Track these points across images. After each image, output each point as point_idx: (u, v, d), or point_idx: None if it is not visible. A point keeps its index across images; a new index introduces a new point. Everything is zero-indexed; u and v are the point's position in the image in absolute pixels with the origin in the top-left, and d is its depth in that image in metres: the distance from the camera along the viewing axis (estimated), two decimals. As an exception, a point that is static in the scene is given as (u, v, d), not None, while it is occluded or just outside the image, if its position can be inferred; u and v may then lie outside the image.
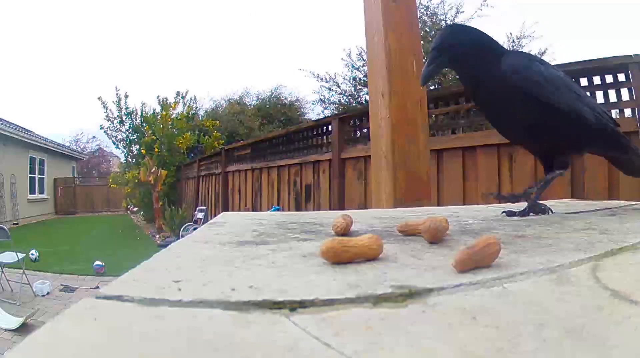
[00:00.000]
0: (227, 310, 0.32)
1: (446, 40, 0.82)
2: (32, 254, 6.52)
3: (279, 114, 13.54)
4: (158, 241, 8.91)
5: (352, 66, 9.98)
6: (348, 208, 3.47)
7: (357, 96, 10.15)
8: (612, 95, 2.19)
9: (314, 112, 12.80)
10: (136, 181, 11.69)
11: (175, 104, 12.60)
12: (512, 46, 9.01)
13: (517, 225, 0.72)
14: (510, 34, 8.96)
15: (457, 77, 0.84)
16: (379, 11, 1.67)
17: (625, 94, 2.15)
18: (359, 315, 0.32)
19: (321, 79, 10.36)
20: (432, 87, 7.80)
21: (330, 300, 0.34)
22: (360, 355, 0.25)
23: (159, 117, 12.25)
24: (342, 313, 0.32)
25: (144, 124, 12.58)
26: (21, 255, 5.03)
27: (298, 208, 4.53)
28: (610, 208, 0.93)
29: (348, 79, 10.19)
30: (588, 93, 2.24)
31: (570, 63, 2.32)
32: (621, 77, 2.15)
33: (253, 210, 5.82)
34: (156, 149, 11.73)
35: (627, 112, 2.17)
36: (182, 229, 8.04)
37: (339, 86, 10.39)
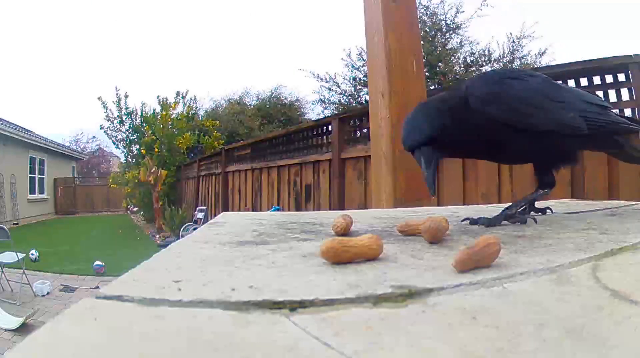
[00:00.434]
0: (227, 310, 0.32)
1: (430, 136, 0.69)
2: (32, 254, 6.52)
3: (279, 114, 13.53)
4: (158, 241, 8.91)
5: (352, 66, 9.99)
6: (348, 208, 3.47)
7: (357, 96, 10.16)
8: (612, 95, 2.20)
9: (314, 112, 12.81)
10: (136, 181, 11.68)
11: (175, 104, 12.60)
12: (512, 46, 9.02)
13: (517, 225, 0.72)
14: (510, 34, 8.97)
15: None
16: (379, 11, 1.67)
17: (625, 94, 2.15)
18: (359, 315, 0.32)
19: (321, 79, 10.36)
20: (432, 88, 7.81)
21: (330, 300, 0.34)
22: (360, 355, 0.25)
23: (159, 117, 12.24)
24: (342, 313, 0.32)
25: (144, 124, 12.58)
26: (21, 255, 5.02)
27: (298, 208, 4.53)
28: (610, 208, 0.93)
29: (348, 79, 10.20)
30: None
31: (570, 63, 2.33)
32: (621, 77, 2.16)
33: (253, 210, 5.82)
34: (156, 149, 11.73)
35: (627, 112, 2.17)
36: (182, 229, 8.04)
37: (339, 86, 10.40)
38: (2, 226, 5.30)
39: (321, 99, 10.91)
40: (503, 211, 0.73)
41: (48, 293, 4.87)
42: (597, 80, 2.22)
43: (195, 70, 47.13)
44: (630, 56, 2.07)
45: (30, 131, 14.59)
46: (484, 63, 9.32)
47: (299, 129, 5.01)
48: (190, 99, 13.11)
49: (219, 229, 0.71)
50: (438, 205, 2.27)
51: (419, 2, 8.80)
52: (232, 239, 0.61)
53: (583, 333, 0.28)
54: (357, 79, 10.00)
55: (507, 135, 0.72)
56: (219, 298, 0.34)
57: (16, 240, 5.39)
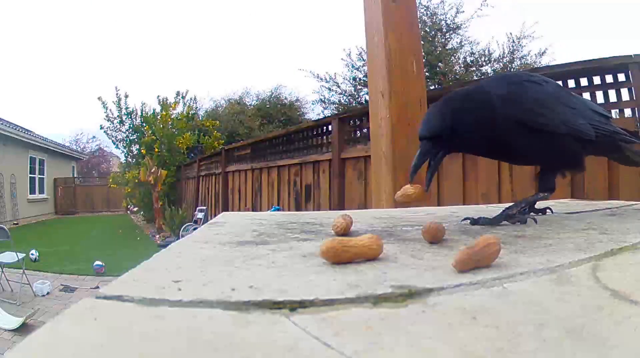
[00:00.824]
0: (227, 310, 0.32)
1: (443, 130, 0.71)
2: (32, 254, 6.52)
3: (279, 114, 13.53)
4: (158, 241, 8.91)
5: (352, 66, 9.99)
6: (348, 208, 3.46)
7: (357, 96, 10.16)
8: (612, 95, 2.20)
9: (314, 112, 12.82)
10: (136, 181, 11.68)
11: (175, 104, 12.59)
12: (512, 46, 9.03)
13: (517, 225, 0.72)
14: (510, 34, 8.97)
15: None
16: (379, 11, 1.67)
17: (625, 94, 2.15)
18: (359, 315, 0.32)
19: (321, 79, 10.37)
20: (432, 88, 7.81)
21: (330, 300, 0.34)
22: (360, 355, 0.25)
23: (159, 117, 12.24)
24: (342, 313, 0.32)
25: (144, 124, 12.57)
26: (21, 255, 5.02)
27: (298, 208, 4.53)
28: (610, 208, 0.93)
29: (348, 79, 10.20)
30: (588, 93, 2.25)
31: (570, 63, 2.32)
32: (621, 77, 2.16)
33: (253, 210, 5.82)
34: (156, 149, 11.72)
35: (627, 112, 2.17)
36: (182, 229, 8.04)
37: (339, 86, 10.41)
38: (2, 226, 5.30)
39: (321, 99, 10.93)
40: (503, 211, 0.74)
41: (48, 293, 4.87)
42: (597, 80, 2.22)
43: (195, 70, 47.20)
44: (630, 56, 2.07)
45: (30, 131, 14.59)
46: (484, 63, 9.32)
47: (299, 129, 5.01)
48: (190, 99, 13.12)
49: (219, 229, 0.71)
50: (438, 205, 2.28)
51: (419, 2, 8.81)
52: (232, 239, 0.61)
53: (583, 333, 0.28)
54: (357, 79, 10.01)
55: (520, 134, 0.73)
56: (219, 298, 0.34)
57: (16, 240, 5.39)
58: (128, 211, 16.08)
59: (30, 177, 14.50)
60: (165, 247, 0.56)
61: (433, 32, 9.22)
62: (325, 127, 4.32)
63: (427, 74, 8.18)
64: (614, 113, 2.15)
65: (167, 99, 12.57)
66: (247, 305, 0.33)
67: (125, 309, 0.32)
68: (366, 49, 1.88)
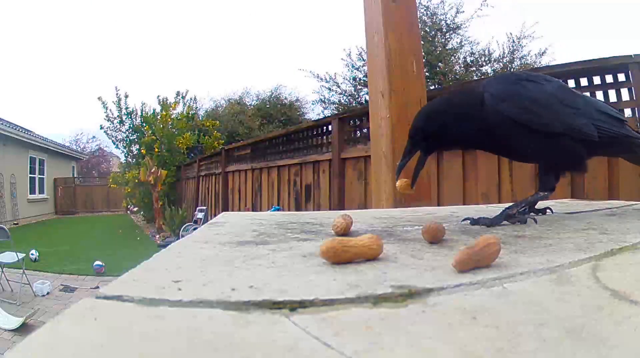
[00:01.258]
0: (227, 310, 0.32)
1: (416, 130, 0.79)
2: (32, 254, 6.52)
3: (279, 114, 13.53)
4: (158, 241, 8.90)
5: (352, 66, 9.99)
6: (348, 208, 3.46)
7: (357, 96, 10.16)
8: (612, 95, 2.20)
9: (314, 112, 12.82)
10: (136, 181, 11.68)
11: (175, 104, 12.59)
12: (512, 46, 9.02)
13: (517, 225, 0.72)
14: (510, 34, 8.97)
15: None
16: (379, 11, 1.67)
17: (625, 94, 2.15)
18: (359, 315, 0.32)
19: (321, 79, 10.37)
20: (432, 87, 7.81)
21: (330, 300, 0.34)
22: (360, 355, 0.25)
23: (159, 117, 12.24)
24: (342, 313, 0.32)
25: (144, 124, 12.57)
26: (21, 255, 5.02)
27: (298, 208, 4.53)
28: (610, 208, 0.93)
29: (348, 79, 10.20)
30: (588, 93, 2.24)
31: (570, 63, 2.32)
32: (621, 77, 2.16)
33: (253, 210, 5.82)
34: (156, 149, 11.72)
35: (627, 112, 2.17)
36: (182, 229, 8.04)
37: (339, 86, 10.41)
38: (2, 226, 5.30)
39: (321, 99, 10.93)
40: (503, 211, 0.74)
41: (48, 293, 4.87)
42: (597, 80, 2.22)
43: (195, 70, 47.19)
44: (630, 56, 2.07)
45: (30, 131, 14.58)
46: (484, 63, 9.32)
47: (299, 129, 5.01)
48: (190, 99, 13.12)
49: (219, 229, 0.71)
50: (438, 205, 2.28)
51: (419, 2, 8.80)
52: (232, 239, 0.61)
53: (583, 333, 0.28)
54: (357, 79, 10.00)
55: (516, 133, 0.74)
56: (219, 298, 0.34)
57: (16, 240, 5.39)
58: (128, 211, 16.08)
59: (30, 177, 14.49)
60: (165, 247, 0.56)
61: (433, 32, 9.22)
62: (325, 128, 4.32)
63: (427, 74, 8.18)
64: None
65: (167, 99, 12.57)
66: (247, 305, 0.33)
67: (125, 309, 0.32)
68: (366, 49, 1.88)
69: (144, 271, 0.43)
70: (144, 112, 12.81)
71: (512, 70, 8.17)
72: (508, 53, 9.09)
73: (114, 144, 14.05)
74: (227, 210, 6.81)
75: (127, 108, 13.00)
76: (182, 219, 9.19)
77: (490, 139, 0.79)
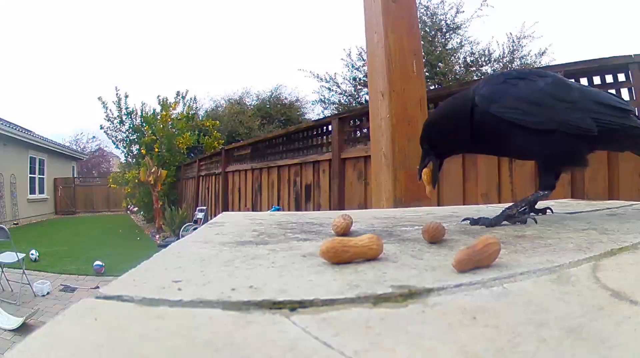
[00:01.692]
0: (227, 310, 0.32)
1: (422, 140, 0.83)
2: (32, 254, 6.52)
3: (279, 114, 13.53)
4: (158, 241, 8.90)
5: (352, 66, 9.99)
6: (348, 208, 3.46)
7: (357, 96, 10.16)
8: (612, 95, 2.19)
9: (314, 112, 12.83)
10: (136, 181, 11.68)
11: (175, 104, 12.59)
12: (512, 46, 9.02)
13: (518, 225, 0.72)
14: (510, 34, 8.98)
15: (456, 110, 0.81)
16: (379, 11, 1.67)
17: (625, 94, 2.15)
18: (359, 315, 0.32)
19: (321, 79, 10.37)
20: (432, 87, 7.81)
21: (330, 300, 0.34)
22: (360, 355, 0.25)
23: (159, 117, 12.24)
24: (342, 313, 0.32)
25: (144, 124, 12.57)
26: (21, 255, 5.02)
27: (298, 208, 4.53)
28: (610, 208, 0.93)
29: (348, 79, 10.20)
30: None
31: (570, 63, 2.32)
32: (621, 77, 2.15)
33: (253, 210, 5.82)
34: (156, 149, 11.72)
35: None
36: (182, 229, 8.04)
37: (339, 86, 10.41)
38: (2, 226, 5.30)
39: (321, 99, 10.93)
40: (503, 211, 0.74)
41: (48, 293, 4.87)
42: (597, 80, 2.22)
43: (195, 70, 47.20)
44: (630, 56, 2.07)
45: (30, 131, 14.58)
46: (484, 63, 9.32)
47: (299, 129, 5.01)
48: (190, 99, 13.11)
49: (219, 229, 0.71)
50: (438, 205, 2.27)
51: (419, 2, 8.81)
52: (232, 239, 0.61)
53: (583, 333, 0.28)
54: (357, 79, 10.00)
55: (510, 133, 0.74)
56: (219, 298, 0.34)
57: (16, 240, 5.39)
58: (128, 211, 16.08)
59: (30, 177, 14.49)
60: (165, 247, 0.56)
61: (433, 32, 9.22)
62: (325, 127, 4.32)
63: (427, 74, 8.18)
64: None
65: (167, 99, 12.56)
66: (247, 305, 0.33)
67: (125, 309, 0.32)
68: (366, 49, 1.88)
69: (144, 271, 0.43)
70: (144, 112, 12.80)
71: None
72: (508, 53, 9.09)
73: (114, 144, 14.06)
74: (227, 210, 6.81)
75: (127, 108, 13.00)
76: (182, 219, 9.19)
77: (486, 142, 0.79)
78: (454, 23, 9.26)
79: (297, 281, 0.39)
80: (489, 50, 9.32)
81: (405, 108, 1.63)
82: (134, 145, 13.24)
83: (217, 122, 12.71)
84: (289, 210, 4.71)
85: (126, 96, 13.04)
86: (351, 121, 3.85)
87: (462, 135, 0.78)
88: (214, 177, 8.27)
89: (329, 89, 10.53)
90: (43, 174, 15.68)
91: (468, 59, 9.50)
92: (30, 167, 14.50)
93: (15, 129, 12.86)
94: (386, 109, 1.64)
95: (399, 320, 0.31)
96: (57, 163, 17.03)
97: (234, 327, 0.29)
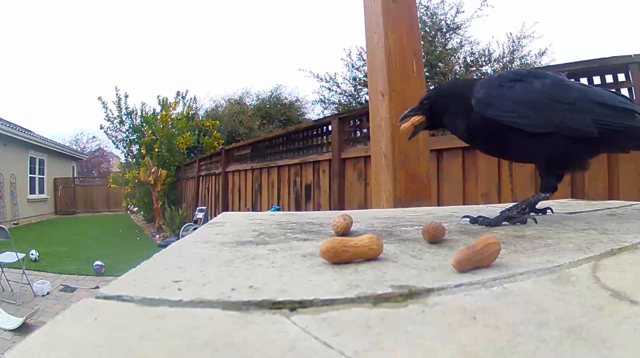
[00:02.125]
0: (227, 310, 0.32)
1: (429, 97, 0.87)
2: (32, 254, 6.52)
3: (279, 114, 13.53)
4: (158, 241, 8.90)
5: (352, 66, 9.99)
6: (348, 208, 3.46)
7: (357, 96, 10.16)
8: (612, 95, 2.19)
9: (314, 112, 12.83)
10: (136, 181, 11.68)
11: (175, 104, 12.59)
12: (512, 46, 9.02)
13: (518, 225, 0.72)
14: (510, 34, 8.98)
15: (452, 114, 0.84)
16: (379, 11, 1.67)
17: (625, 94, 2.15)
18: (359, 315, 0.32)
19: (321, 79, 10.37)
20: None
21: (330, 300, 0.34)
22: (360, 355, 0.25)
23: (159, 117, 12.24)
24: (342, 313, 0.32)
25: (144, 124, 12.57)
26: (21, 255, 5.02)
27: (298, 208, 4.53)
28: (610, 208, 0.93)
29: (348, 79, 10.20)
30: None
31: (570, 63, 2.33)
32: (621, 77, 2.15)
33: (253, 210, 5.82)
34: (156, 149, 11.72)
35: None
36: (182, 229, 8.04)
37: (339, 86, 10.41)
38: (2, 226, 5.30)
39: (321, 99, 10.93)
40: (503, 212, 0.73)
41: (48, 293, 4.87)
42: (597, 80, 2.22)
43: (195, 70, 47.24)
44: (630, 56, 2.07)
45: (30, 131, 14.58)
46: (484, 63, 9.32)
47: (299, 129, 5.01)
48: (190, 99, 13.12)
49: (219, 229, 0.71)
50: (438, 205, 2.27)
51: (419, 2, 8.80)
52: (232, 239, 0.61)
53: (583, 333, 0.28)
54: (357, 79, 10.00)
55: (507, 135, 0.74)
56: (219, 298, 0.34)
57: (16, 240, 5.39)
58: (128, 211, 16.08)
59: (30, 177, 14.49)
60: (165, 247, 0.56)
61: (433, 32, 9.22)
62: (325, 128, 4.32)
63: (427, 74, 8.17)
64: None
65: (167, 99, 12.57)
66: (247, 305, 0.33)
67: (125, 309, 0.32)
68: (366, 49, 1.88)
69: (143, 271, 0.43)
70: (144, 112, 12.81)
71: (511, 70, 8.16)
72: (508, 53, 9.09)
73: (114, 144, 14.06)
74: (227, 210, 6.81)
75: (127, 108, 13.00)
76: (182, 219, 9.18)
77: (481, 142, 0.80)
78: (454, 23, 9.26)
79: (297, 281, 0.39)
80: (489, 50, 9.32)
81: (405, 108, 1.61)
82: (134, 145, 13.25)
83: (217, 122, 12.71)
84: (289, 210, 4.71)
85: (126, 96, 13.05)
86: (351, 121, 3.85)
87: (459, 125, 0.80)
88: (214, 177, 8.27)
89: (329, 89, 10.54)
90: (43, 174, 15.68)
91: (468, 59, 9.50)
92: (30, 167, 14.51)
93: (15, 129, 12.86)
94: (386, 109, 1.63)
95: (399, 320, 0.31)
96: (57, 163, 17.03)
97: (234, 327, 0.29)
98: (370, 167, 2.23)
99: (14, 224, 11.77)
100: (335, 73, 10.61)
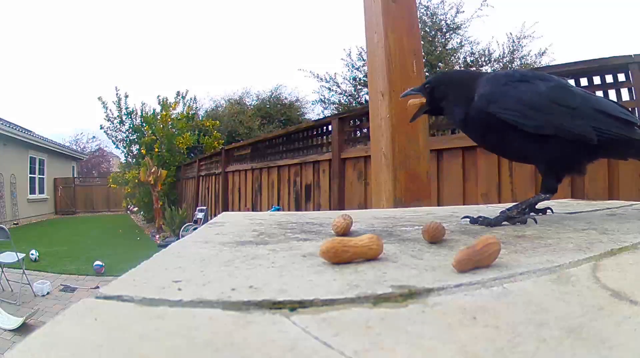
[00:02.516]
0: (227, 310, 0.32)
1: (430, 82, 0.87)
2: (32, 254, 6.52)
3: (279, 114, 13.53)
4: (158, 241, 8.90)
5: (352, 66, 9.99)
6: (348, 208, 3.46)
7: (357, 96, 10.16)
8: (612, 95, 2.20)
9: (314, 112, 12.83)
10: (136, 181, 11.68)
11: (175, 104, 12.60)
12: (512, 46, 9.02)
13: (518, 225, 0.72)
14: (510, 34, 8.98)
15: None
16: (379, 11, 1.67)
17: (625, 94, 2.15)
18: (359, 315, 0.32)
19: (321, 79, 10.37)
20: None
21: (330, 300, 0.34)
22: (360, 355, 0.25)
23: (159, 117, 12.24)
24: (342, 313, 0.32)
25: (144, 124, 12.57)
26: (21, 255, 5.02)
27: (298, 208, 4.53)
28: (610, 208, 0.93)
29: (348, 79, 10.20)
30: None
31: (570, 63, 2.33)
32: (621, 77, 2.15)
33: (253, 210, 5.82)
34: (156, 149, 11.72)
35: (627, 112, 2.16)
36: (182, 229, 8.04)
37: (339, 86, 10.41)
38: (2, 226, 5.30)
39: (321, 99, 10.93)
40: (503, 212, 0.74)
41: (48, 293, 4.87)
42: (597, 80, 2.22)
43: (195, 70, 47.25)
44: (630, 56, 2.07)
45: (30, 131, 14.58)
46: (484, 63, 9.32)
47: (299, 129, 5.01)
48: (190, 99, 13.12)
49: (219, 229, 0.71)
50: (438, 205, 2.28)
51: (419, 2, 8.81)
52: (232, 239, 0.61)
53: (583, 333, 0.28)
54: (357, 79, 10.00)
55: (507, 133, 0.74)
56: (219, 298, 0.34)
57: (16, 240, 5.39)
58: (128, 211, 16.08)
59: (30, 177, 14.49)
60: (165, 247, 0.56)
61: (433, 32, 9.22)
62: (325, 127, 4.32)
63: (427, 74, 8.16)
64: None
65: (167, 99, 12.57)
66: (247, 305, 0.33)
67: (125, 309, 0.32)
68: (366, 49, 1.88)
69: (143, 271, 0.43)
70: (144, 112, 12.81)
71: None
72: (508, 53, 9.10)
73: (114, 144, 14.07)
74: (227, 210, 6.81)
75: (127, 108, 13.01)
76: (182, 219, 9.19)
77: (478, 134, 0.81)
78: (454, 23, 9.26)
79: (297, 281, 0.39)
80: (489, 50, 9.33)
81: (405, 108, 1.62)
82: (134, 145, 13.25)
83: (217, 122, 12.71)
84: (289, 210, 4.71)
85: (126, 96, 13.06)
86: (351, 121, 3.85)
87: (457, 114, 0.81)
88: (214, 177, 8.27)
89: (329, 89, 10.54)
90: (43, 174, 15.68)
91: (468, 59, 9.50)
92: (30, 167, 14.51)
93: (15, 129, 12.86)
94: (386, 109, 1.63)
95: (399, 320, 0.31)
96: (57, 163, 17.03)
97: (234, 327, 0.29)
98: (370, 167, 2.23)
99: (14, 224, 11.77)
100: (335, 73, 10.63)
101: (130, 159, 13.81)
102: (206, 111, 14.64)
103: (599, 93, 2.23)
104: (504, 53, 9.15)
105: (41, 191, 15.48)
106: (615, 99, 2.18)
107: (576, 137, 0.71)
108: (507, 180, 2.37)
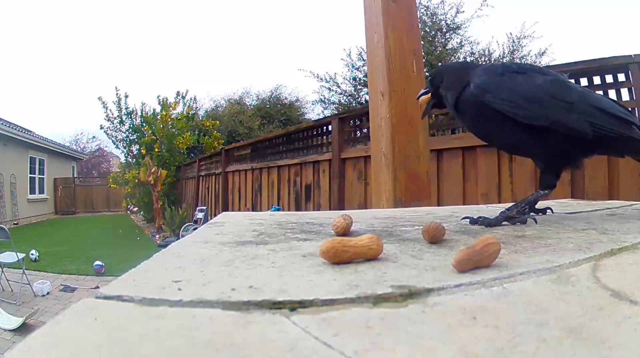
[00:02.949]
0: (227, 310, 0.32)
1: (432, 77, 0.88)
2: (32, 254, 6.52)
3: (279, 114, 13.53)
4: (158, 241, 8.90)
5: (352, 66, 9.98)
6: (348, 208, 3.46)
7: (357, 96, 10.15)
8: (612, 95, 2.19)
9: (314, 112, 12.83)
10: (136, 181, 11.68)
11: (175, 104, 12.60)
12: (512, 46, 9.03)
13: (518, 225, 0.72)
14: (510, 34, 8.98)
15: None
16: (379, 11, 1.67)
17: (625, 94, 2.15)
18: (359, 315, 0.32)
19: (321, 79, 10.37)
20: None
21: (330, 300, 0.34)
22: (360, 355, 0.25)
23: (159, 117, 12.24)
24: (342, 313, 0.32)
25: (144, 124, 12.57)
26: (21, 255, 5.02)
27: (298, 208, 4.53)
28: (610, 208, 0.93)
29: (348, 79, 10.19)
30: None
31: (570, 63, 2.32)
32: (621, 77, 2.15)
33: (253, 210, 5.82)
34: (156, 149, 11.72)
35: (628, 112, 2.16)
36: (182, 229, 8.04)
37: (339, 86, 10.40)
38: (2, 226, 5.29)
39: (321, 99, 10.92)
40: (503, 212, 0.73)
41: (48, 293, 4.87)
42: (597, 80, 2.22)
43: (195, 70, 47.26)
44: (630, 56, 2.07)
45: (30, 131, 14.58)
46: (484, 63, 9.31)
47: (299, 129, 5.01)
48: (190, 99, 13.12)
49: (219, 229, 0.71)
50: (438, 205, 2.28)
51: (419, 2, 8.80)
52: (232, 239, 0.61)
53: (583, 333, 0.28)
54: (357, 79, 10.00)
55: (501, 124, 0.74)
56: (219, 298, 0.34)
57: (16, 240, 5.38)
58: (128, 211, 16.08)
59: (30, 177, 14.49)
60: (165, 247, 0.56)
61: (433, 32, 9.22)
62: (325, 127, 4.32)
63: (427, 74, 8.17)
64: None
65: (167, 99, 12.57)
66: (247, 305, 0.33)
67: (125, 309, 0.32)
68: (366, 49, 1.88)
69: (143, 271, 0.43)
70: (144, 112, 12.81)
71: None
72: (508, 53, 9.09)
73: (114, 144, 14.06)
74: (227, 210, 6.81)
75: (127, 108, 13.00)
76: (182, 219, 9.19)
77: (470, 121, 0.81)
78: (454, 23, 9.26)
79: (297, 281, 0.39)
80: (489, 50, 9.33)
81: (405, 108, 1.63)
82: (134, 145, 13.25)
83: (217, 122, 12.71)
84: (289, 210, 4.71)
85: (126, 96, 13.05)
86: (351, 121, 3.85)
87: (449, 99, 0.82)
88: (214, 177, 8.27)
89: (329, 89, 10.53)
90: (43, 174, 15.68)
91: (468, 59, 9.50)
92: (30, 167, 14.51)
93: (15, 129, 12.86)
94: (386, 109, 1.63)
95: (399, 320, 0.31)
96: (57, 163, 17.03)
97: (234, 327, 0.29)
98: (370, 167, 2.23)
99: (14, 224, 11.77)
100: (335, 73, 10.62)
101: (130, 159, 13.81)
102: (206, 111, 14.65)
103: (599, 93, 2.23)
104: (504, 53, 9.15)
105: (41, 191, 15.48)
106: (615, 99, 2.18)
107: (570, 131, 0.71)
108: (507, 180, 2.37)
